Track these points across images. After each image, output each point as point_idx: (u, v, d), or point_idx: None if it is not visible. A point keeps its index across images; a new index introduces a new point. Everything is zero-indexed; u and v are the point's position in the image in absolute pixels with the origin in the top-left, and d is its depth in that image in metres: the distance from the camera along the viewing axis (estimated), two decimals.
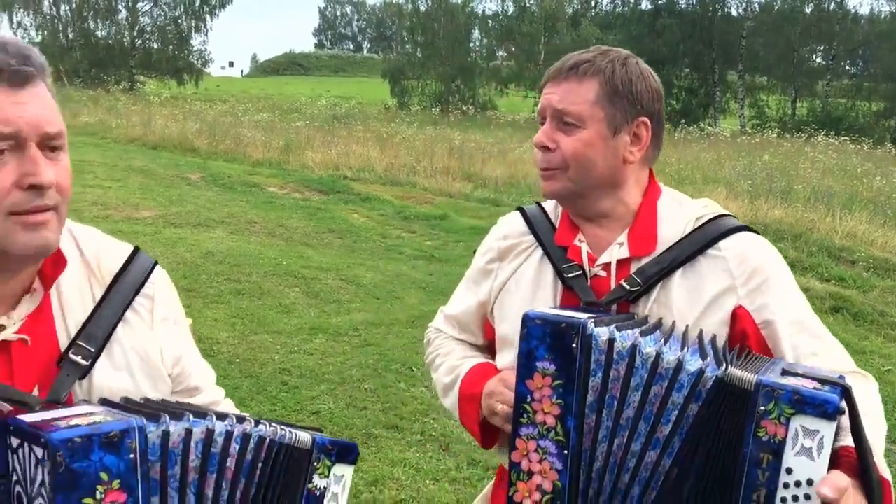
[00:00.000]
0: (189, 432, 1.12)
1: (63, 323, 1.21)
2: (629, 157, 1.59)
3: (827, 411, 1.26)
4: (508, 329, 1.66)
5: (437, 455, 4.60)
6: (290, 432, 1.25)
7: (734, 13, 41.11)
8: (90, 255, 1.29)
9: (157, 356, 1.30)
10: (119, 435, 1.02)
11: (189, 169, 16.13)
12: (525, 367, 1.42)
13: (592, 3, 43.98)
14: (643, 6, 43.01)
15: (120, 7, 45.04)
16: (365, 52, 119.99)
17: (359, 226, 11.80)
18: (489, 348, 1.84)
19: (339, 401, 5.28)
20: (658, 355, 1.38)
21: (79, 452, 0.98)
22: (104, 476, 1.00)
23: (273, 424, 1.23)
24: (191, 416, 1.13)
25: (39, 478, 1.00)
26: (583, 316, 1.43)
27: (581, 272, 1.61)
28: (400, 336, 6.62)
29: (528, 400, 1.42)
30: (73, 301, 1.23)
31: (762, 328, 1.54)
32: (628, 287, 1.56)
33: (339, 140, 20.40)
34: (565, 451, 1.41)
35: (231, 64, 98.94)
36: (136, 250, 1.34)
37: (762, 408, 1.29)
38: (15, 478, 1.05)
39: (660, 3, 41.55)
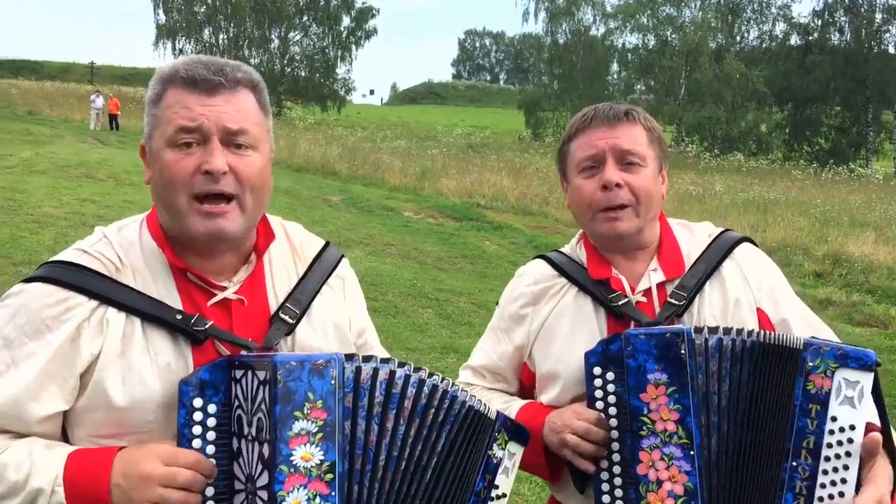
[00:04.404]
0: (376, 371, 1.31)
1: (273, 291, 1.44)
2: (664, 193, 1.79)
3: (867, 363, 1.44)
4: (555, 364, 1.75)
5: None
6: (481, 402, 1.44)
7: (892, 50, 39.15)
8: (296, 240, 1.55)
9: (347, 325, 1.53)
10: (325, 364, 1.23)
11: (330, 191, 16.86)
12: (637, 382, 1.55)
13: (738, 38, 42.77)
14: (792, 42, 41.60)
15: (273, 37, 47.78)
16: (501, 83, 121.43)
17: (490, 253, 12.01)
18: (522, 395, 1.89)
19: None
20: (733, 342, 1.57)
21: (294, 373, 1.20)
22: (311, 395, 1.21)
23: (456, 384, 1.41)
24: (378, 360, 1.33)
25: (260, 397, 1.21)
26: (675, 325, 1.61)
27: (627, 300, 1.72)
28: None
29: (646, 412, 1.55)
30: (281, 275, 1.47)
31: (778, 326, 1.71)
32: (676, 302, 1.70)
33: (473, 168, 20.79)
34: (691, 452, 1.53)
35: (371, 92, 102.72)
36: (327, 243, 1.59)
37: (810, 364, 1.48)
38: (236, 404, 1.26)
39: (810, 38, 40.07)
